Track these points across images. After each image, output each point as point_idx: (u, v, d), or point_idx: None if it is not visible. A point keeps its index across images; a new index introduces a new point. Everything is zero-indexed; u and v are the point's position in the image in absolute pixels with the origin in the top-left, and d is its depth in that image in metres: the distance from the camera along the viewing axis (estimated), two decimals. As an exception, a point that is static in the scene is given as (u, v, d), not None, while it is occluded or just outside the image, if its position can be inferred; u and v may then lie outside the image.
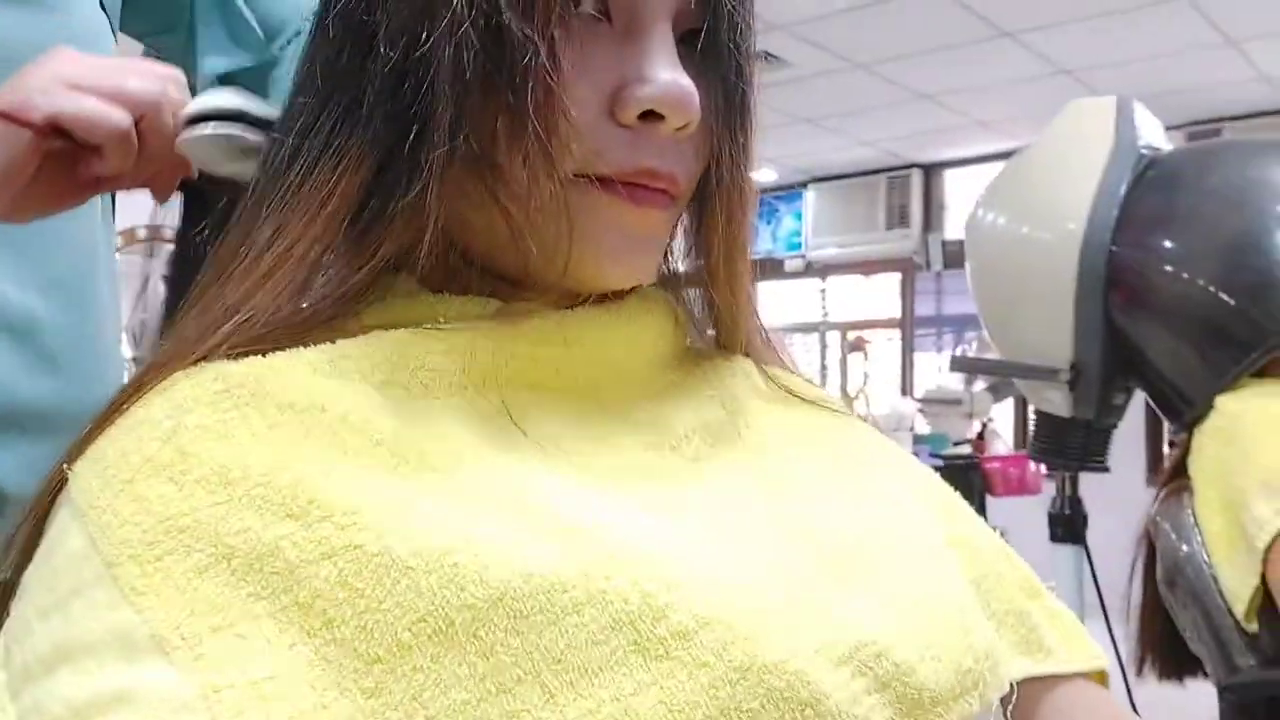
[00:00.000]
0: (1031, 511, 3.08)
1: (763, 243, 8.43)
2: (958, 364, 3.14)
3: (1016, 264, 2.12)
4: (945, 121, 6.96)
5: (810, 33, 5.48)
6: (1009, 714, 0.72)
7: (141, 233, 2.40)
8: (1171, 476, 1.89)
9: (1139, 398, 2.17)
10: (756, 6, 0.72)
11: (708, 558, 0.60)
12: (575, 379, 0.69)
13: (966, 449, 5.43)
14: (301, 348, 0.62)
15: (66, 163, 0.78)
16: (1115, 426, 2.19)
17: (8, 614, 0.57)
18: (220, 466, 0.55)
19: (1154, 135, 2.06)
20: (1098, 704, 0.81)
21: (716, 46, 0.69)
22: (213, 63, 1.16)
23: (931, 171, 8.02)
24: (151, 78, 0.79)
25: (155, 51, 1.24)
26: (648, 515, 0.62)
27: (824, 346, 8.05)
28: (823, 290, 8.60)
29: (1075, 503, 2.35)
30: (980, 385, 5.61)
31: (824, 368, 8.08)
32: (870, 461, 0.79)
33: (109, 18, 1.10)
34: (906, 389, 7.98)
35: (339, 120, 0.67)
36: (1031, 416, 2.32)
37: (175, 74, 0.82)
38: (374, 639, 0.51)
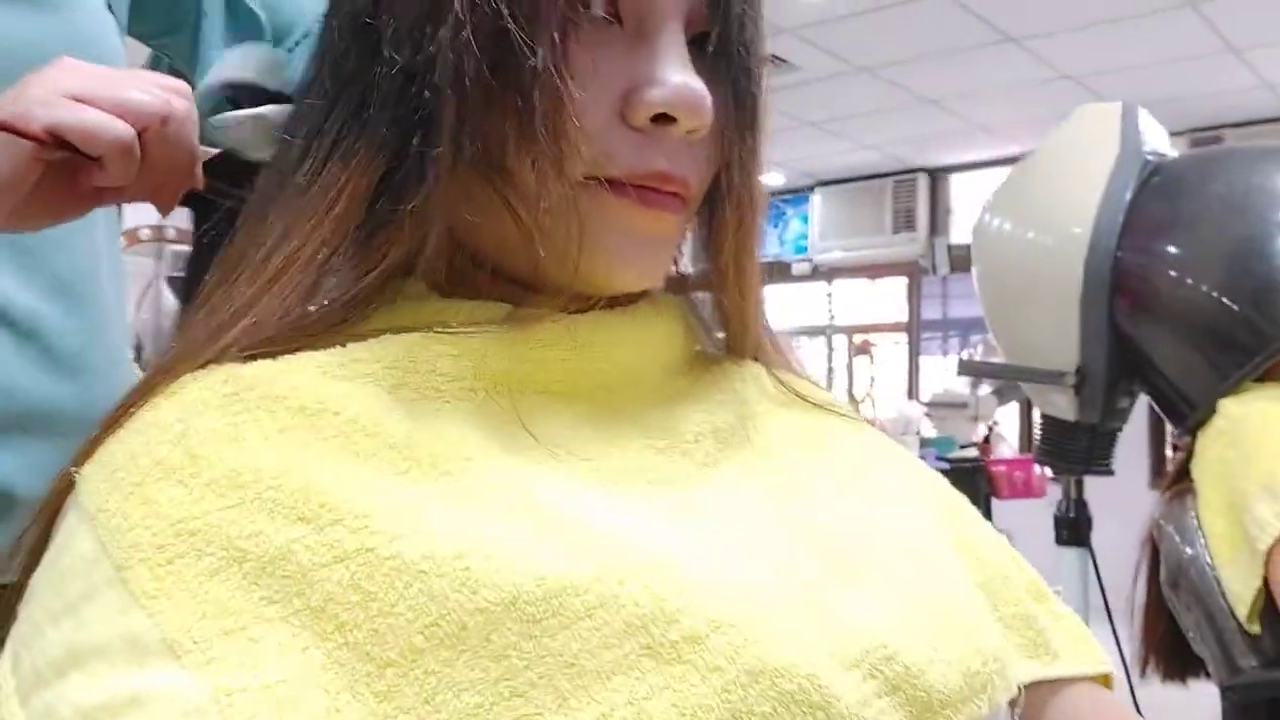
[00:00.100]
0: (1036, 514, 3.09)
1: (769, 246, 8.40)
2: (964, 368, 3.13)
3: (1022, 268, 2.13)
4: (950, 126, 6.95)
5: (816, 36, 5.49)
6: (1016, 717, 0.72)
7: (145, 234, 2.39)
8: (1175, 479, 1.90)
9: (1142, 402, 2.18)
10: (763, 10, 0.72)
11: (719, 562, 0.60)
12: (585, 383, 0.69)
13: (972, 452, 5.42)
14: (311, 351, 0.62)
15: (68, 174, 0.76)
16: (1120, 430, 2.20)
17: (15, 618, 0.56)
18: (231, 470, 0.54)
19: (1159, 141, 2.07)
20: (1104, 707, 0.80)
21: (727, 49, 0.68)
22: (222, 71, 1.15)
23: (937, 176, 8.01)
24: (155, 89, 0.78)
25: (162, 53, 1.24)
26: (659, 519, 0.62)
27: (830, 350, 8.05)
28: (829, 294, 8.59)
29: (1080, 505, 2.35)
30: (986, 389, 5.60)
31: (830, 371, 8.08)
32: (878, 465, 0.78)
33: (116, 18, 1.10)
34: (912, 392, 7.96)
35: (346, 122, 0.66)
36: (1037, 420, 2.33)
37: (180, 85, 0.81)
38: (386, 642, 0.51)
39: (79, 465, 0.58)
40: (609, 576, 0.54)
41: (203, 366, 0.60)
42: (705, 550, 0.60)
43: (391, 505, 0.55)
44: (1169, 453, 6.51)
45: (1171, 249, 1.92)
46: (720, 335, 0.80)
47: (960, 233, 7.75)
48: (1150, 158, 2.02)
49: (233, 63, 0.79)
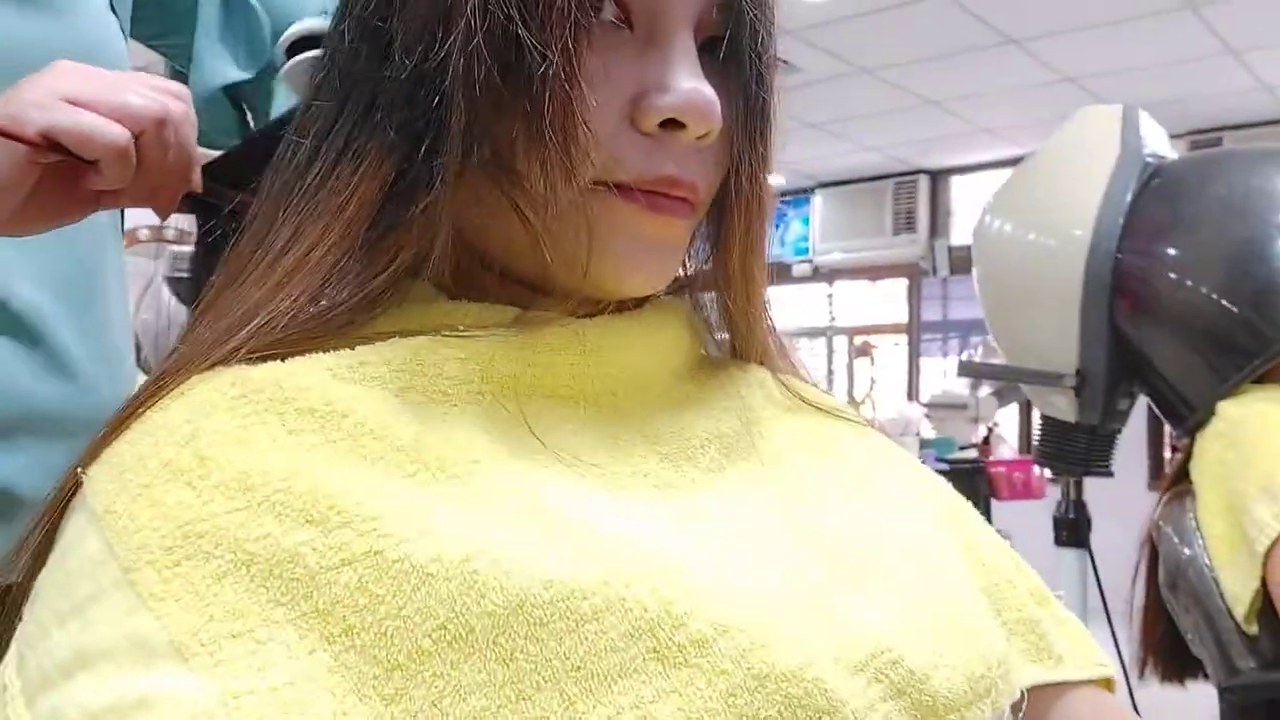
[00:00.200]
0: (1035, 516, 3.09)
1: (770, 247, 8.40)
2: (965, 369, 3.13)
3: (1023, 270, 2.13)
4: (951, 128, 6.95)
5: (818, 38, 5.49)
6: None
7: (144, 234, 2.39)
8: (1174, 481, 1.90)
9: (1141, 404, 2.19)
10: (765, 12, 0.72)
11: (724, 566, 0.60)
12: (592, 387, 0.68)
13: (972, 453, 5.42)
14: (320, 353, 0.62)
15: (66, 177, 0.76)
16: (1119, 431, 2.20)
17: (20, 618, 0.56)
18: (240, 472, 0.54)
19: (1159, 144, 2.08)
20: (1106, 710, 0.80)
21: (738, 54, 0.68)
22: (214, 68, 1.15)
23: (938, 177, 8.01)
24: (152, 93, 0.78)
25: (164, 54, 1.24)
26: (665, 524, 0.62)
27: (831, 351, 8.05)
28: (830, 295, 8.59)
29: (1080, 507, 2.36)
30: (985, 390, 5.61)
31: (830, 372, 8.08)
32: (882, 469, 0.79)
33: (120, 20, 1.09)
34: (912, 394, 7.97)
35: (356, 124, 0.66)
36: (1036, 421, 2.33)
37: (178, 88, 0.81)
38: (394, 645, 0.51)
39: (85, 466, 0.58)
40: (616, 580, 0.54)
41: (211, 368, 0.60)
42: (711, 555, 0.61)
43: (399, 508, 0.55)
44: (1168, 454, 6.52)
45: (1171, 251, 1.92)
46: (723, 337, 0.80)
47: (960, 234, 7.75)
48: (1150, 160, 2.02)
49: (312, 20, 0.79)
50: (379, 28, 0.66)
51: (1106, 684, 0.82)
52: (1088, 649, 0.82)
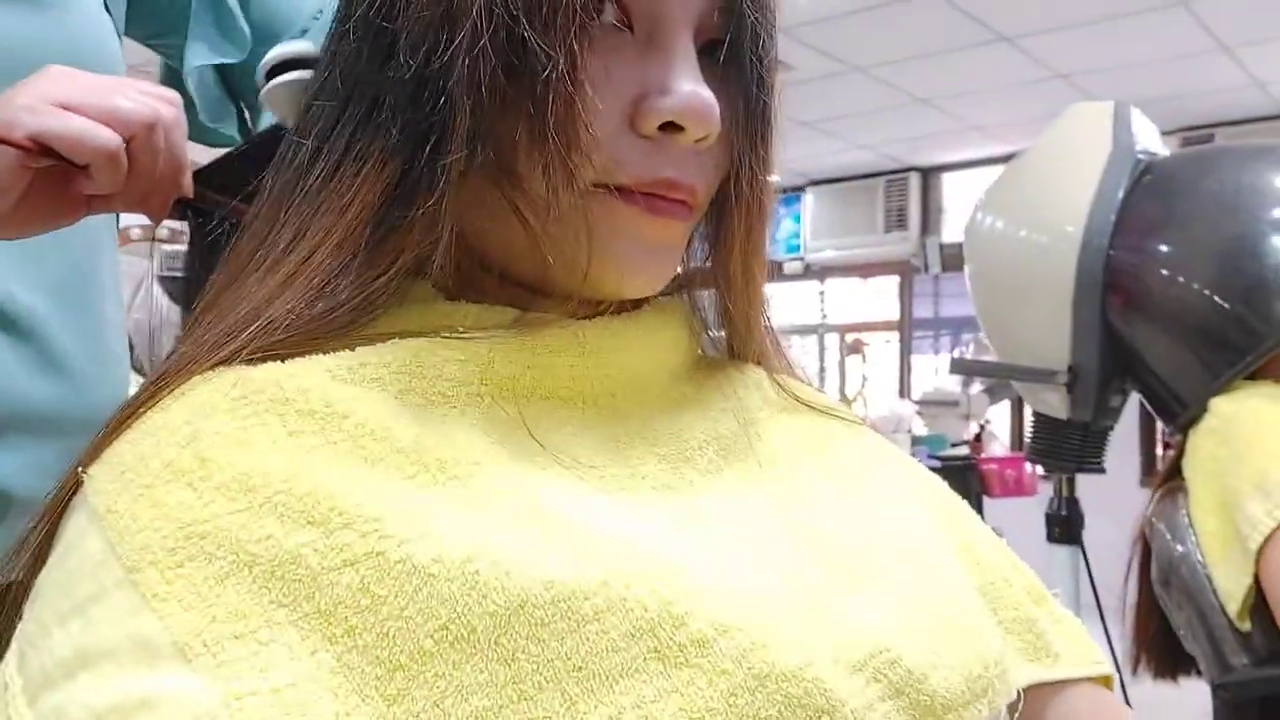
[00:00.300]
0: (1027, 513, 3.09)
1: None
2: (957, 366, 3.13)
3: (1015, 267, 2.13)
4: (943, 125, 6.96)
5: (809, 36, 5.49)
6: None
7: (136, 233, 2.39)
8: (1167, 478, 1.90)
9: (1133, 400, 2.19)
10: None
11: (723, 567, 0.60)
12: (591, 389, 0.69)
13: (964, 450, 5.42)
14: (320, 354, 0.62)
15: (57, 182, 0.77)
16: (1111, 428, 2.21)
17: (19, 617, 0.56)
18: (241, 473, 0.54)
19: (1150, 140, 2.08)
20: (1104, 708, 0.81)
21: (738, 57, 0.68)
22: (196, 54, 1.15)
23: (929, 175, 8.02)
24: (143, 97, 0.78)
25: (159, 53, 1.24)
26: (664, 525, 0.63)
27: (822, 349, 8.03)
28: (821, 292, 8.60)
29: (1072, 504, 2.36)
30: (977, 387, 5.61)
31: (822, 370, 8.07)
32: (878, 469, 0.79)
33: (114, 19, 1.10)
34: (904, 391, 7.98)
35: (359, 125, 0.66)
36: (1028, 418, 2.33)
37: (169, 94, 0.81)
38: (396, 646, 0.51)
39: (86, 465, 0.58)
40: (616, 581, 0.54)
41: (212, 368, 0.60)
42: (710, 556, 0.61)
43: (400, 509, 0.55)
44: (1159, 451, 6.54)
45: (1163, 247, 1.92)
46: (718, 334, 0.81)
47: (952, 232, 7.76)
48: (1142, 156, 2.03)
49: (293, 42, 0.79)
50: (383, 28, 0.66)
51: (1104, 681, 0.83)
52: (1085, 647, 0.82)
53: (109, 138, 0.75)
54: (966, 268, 2.30)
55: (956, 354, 7.59)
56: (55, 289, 1.02)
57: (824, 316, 8.42)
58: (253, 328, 0.62)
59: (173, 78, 1.23)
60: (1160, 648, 1.92)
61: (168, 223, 0.88)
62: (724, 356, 0.81)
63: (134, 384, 1.19)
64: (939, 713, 0.60)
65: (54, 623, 0.53)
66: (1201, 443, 1.79)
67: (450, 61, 0.62)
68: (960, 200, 7.71)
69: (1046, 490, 2.44)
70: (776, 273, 8.53)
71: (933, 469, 0.86)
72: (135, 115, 0.76)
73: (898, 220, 8.04)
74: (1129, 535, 1.97)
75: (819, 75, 6.02)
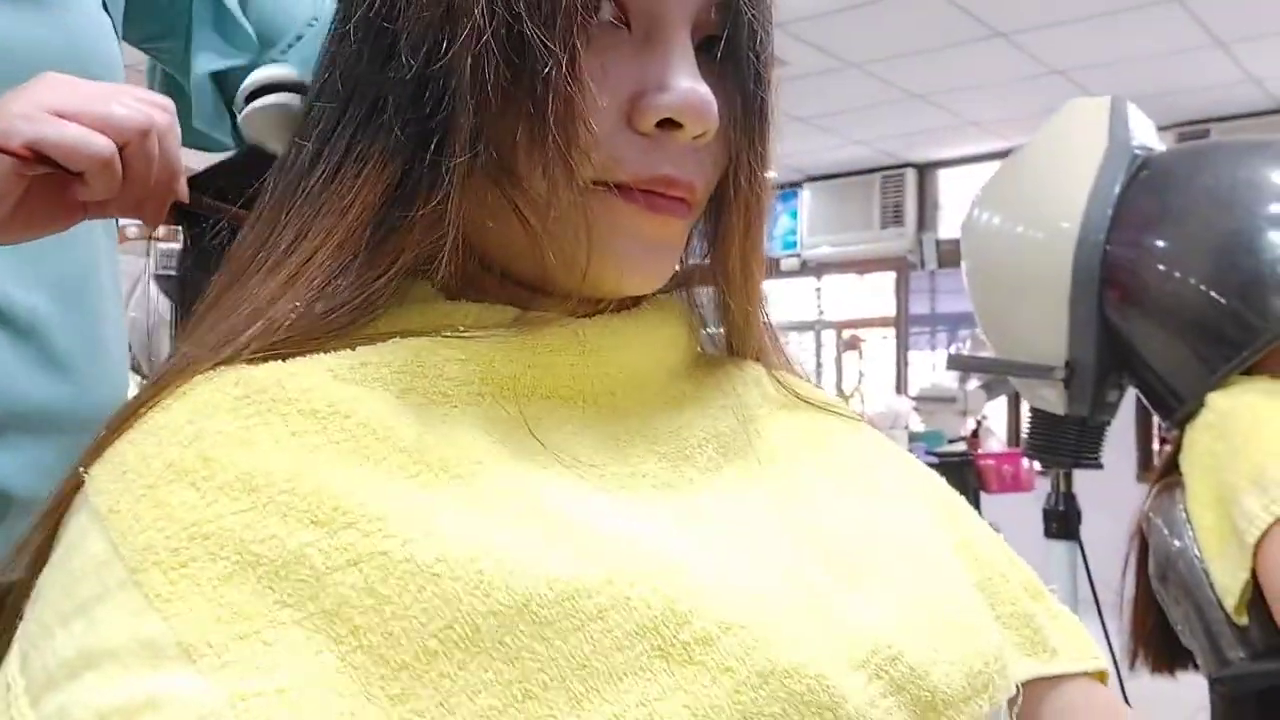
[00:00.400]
0: (1024, 508, 3.09)
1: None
2: (954, 362, 3.15)
3: (1012, 263, 2.14)
4: (939, 121, 6.96)
5: (805, 32, 5.49)
6: (1015, 715, 0.72)
7: (133, 231, 2.38)
8: (1164, 473, 1.91)
9: (1129, 395, 2.19)
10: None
11: (725, 565, 0.60)
12: (591, 387, 0.69)
13: (961, 446, 5.43)
14: (321, 353, 0.62)
15: (53, 188, 0.77)
16: (1108, 423, 2.21)
17: (20, 617, 0.56)
18: (244, 473, 0.54)
19: (1147, 135, 2.08)
20: (1101, 703, 0.81)
21: (736, 54, 0.68)
22: (204, 61, 1.14)
23: (925, 171, 8.02)
24: (138, 104, 0.78)
25: (155, 58, 1.24)
26: (665, 524, 0.63)
27: (819, 345, 8.03)
28: (818, 289, 8.59)
29: (1069, 499, 2.37)
30: (974, 383, 5.62)
31: (819, 366, 8.07)
32: (877, 466, 0.79)
33: (112, 20, 1.10)
34: (901, 387, 7.98)
35: (359, 126, 0.66)
36: (1025, 414, 2.33)
37: (163, 100, 0.81)
38: (400, 645, 0.51)
39: (87, 465, 0.58)
40: (619, 579, 0.55)
41: (213, 368, 0.60)
42: (711, 554, 0.61)
43: (403, 509, 0.55)
44: (1156, 446, 6.55)
45: (1160, 243, 1.92)
46: (717, 332, 0.81)
47: (948, 228, 7.76)
48: (1139, 152, 2.03)
49: (271, 67, 0.79)
50: (383, 29, 0.66)
51: (1100, 677, 0.83)
52: (1081, 642, 0.83)
53: (104, 145, 0.75)
54: (964, 264, 2.30)
55: (953, 350, 7.60)
56: (55, 288, 1.02)
57: (821, 313, 8.40)
58: (254, 328, 0.62)
59: (166, 81, 1.23)
60: (1158, 642, 1.92)
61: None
62: (723, 353, 0.81)
63: (132, 383, 1.19)
64: (940, 708, 0.61)
65: (56, 623, 0.52)
66: (1198, 438, 1.79)
67: (451, 61, 0.62)
68: (957, 196, 7.72)
69: (1043, 486, 2.44)
70: (773, 269, 8.52)
71: (930, 465, 0.86)
72: (130, 121, 0.77)
73: (894, 216, 8.04)
74: (1125, 530, 1.97)
75: (815, 71, 6.02)
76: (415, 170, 0.64)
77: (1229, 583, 1.67)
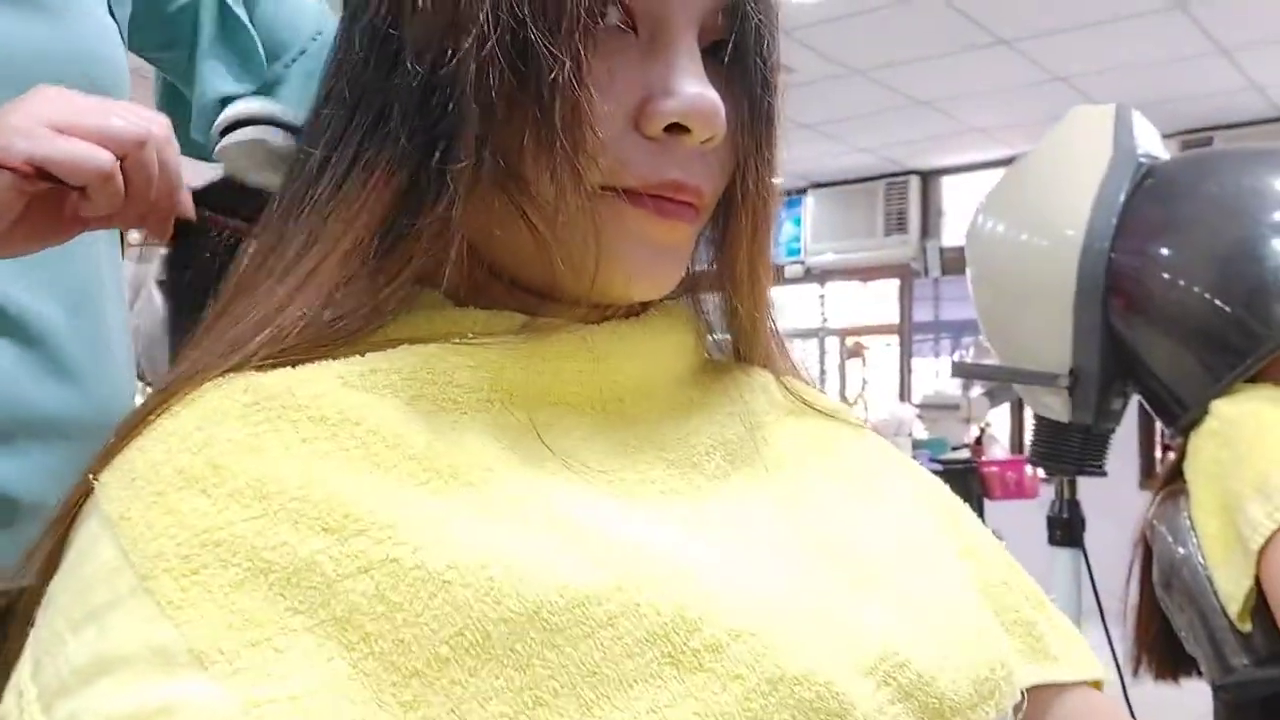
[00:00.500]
0: (1028, 515, 3.09)
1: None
2: (958, 369, 3.15)
3: (1016, 270, 2.14)
4: (943, 128, 6.96)
5: (810, 38, 5.49)
6: None
7: (134, 237, 2.40)
8: (1168, 480, 1.90)
9: (1132, 403, 2.19)
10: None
11: (734, 571, 0.60)
12: (600, 394, 0.68)
13: (965, 453, 5.42)
14: (330, 360, 0.62)
15: (53, 201, 0.77)
16: (1113, 431, 2.20)
17: (32, 623, 0.55)
18: (254, 480, 0.54)
19: (1152, 144, 2.08)
20: (1102, 712, 0.81)
21: (742, 58, 0.68)
22: (216, 85, 1.14)
23: (929, 178, 8.02)
24: (135, 116, 0.78)
25: (158, 67, 1.24)
26: (673, 531, 0.63)
27: (823, 352, 8.05)
28: (821, 296, 8.60)
29: (1074, 506, 2.36)
30: (977, 390, 5.61)
31: (823, 373, 8.08)
32: (883, 473, 0.79)
33: (119, 26, 1.10)
34: (904, 394, 7.98)
35: (366, 134, 0.66)
36: (1028, 420, 2.34)
37: (157, 115, 0.81)
38: (412, 652, 0.51)
39: (96, 472, 0.58)
40: (630, 586, 0.55)
41: (222, 375, 0.60)
42: (720, 561, 0.61)
43: (414, 516, 0.55)
44: (1158, 454, 6.54)
45: (1164, 251, 1.92)
46: (723, 338, 0.80)
47: (952, 235, 7.76)
48: (1143, 160, 2.02)
49: (247, 101, 0.80)
50: (389, 35, 0.66)
51: (1096, 686, 0.83)
52: (1082, 651, 0.83)
53: (105, 159, 0.75)
54: (968, 271, 2.31)
55: (958, 357, 7.60)
56: (63, 296, 1.02)
57: (824, 320, 8.41)
58: (263, 335, 0.62)
59: (168, 91, 1.23)
60: (1161, 649, 1.92)
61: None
62: (729, 359, 0.81)
63: (138, 391, 1.19)
64: (947, 715, 0.61)
65: (68, 630, 0.52)
66: (1202, 445, 1.79)
67: (457, 68, 0.62)
68: (960, 203, 7.71)
69: (1047, 493, 2.44)
70: (777, 276, 8.37)
71: (934, 472, 0.86)
72: (128, 134, 0.76)
73: (898, 223, 8.04)
74: (1128, 538, 1.97)
75: (819, 78, 6.02)
76: (422, 178, 0.64)
77: (1233, 590, 1.67)
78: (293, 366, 0.61)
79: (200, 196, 0.85)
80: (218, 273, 0.77)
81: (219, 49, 1.15)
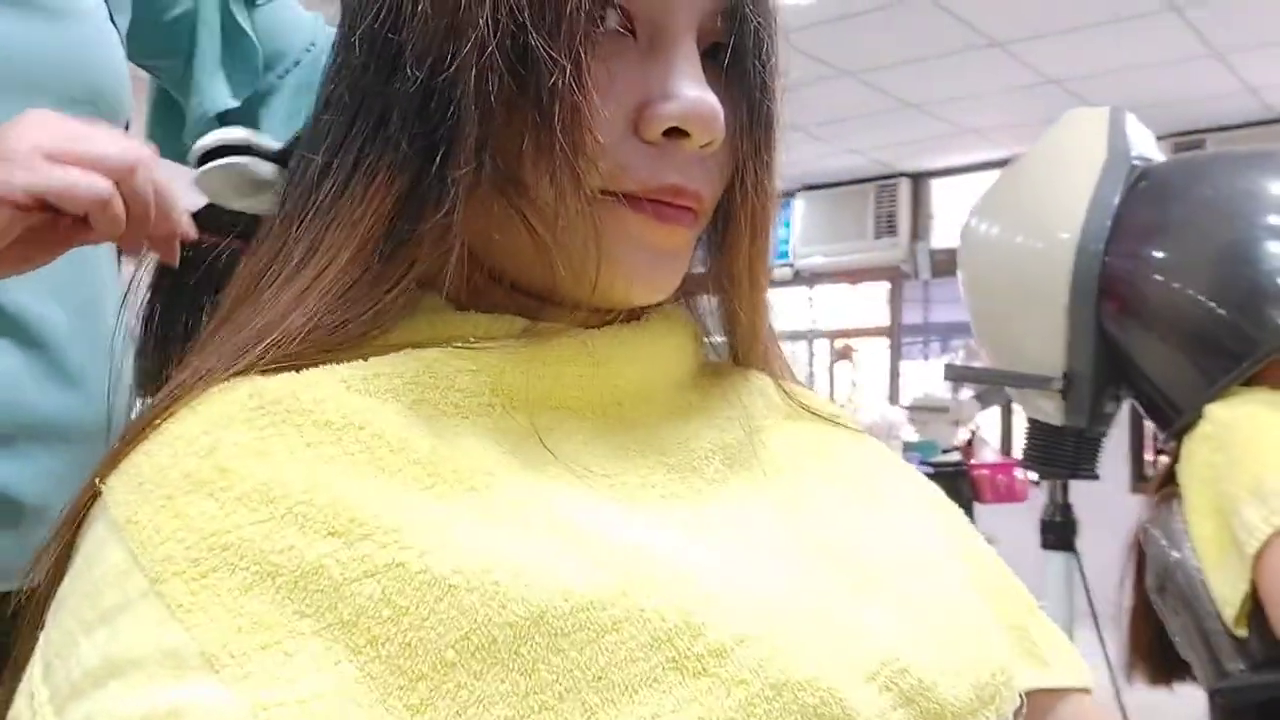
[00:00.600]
0: (1017, 518, 3.10)
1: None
2: (952, 373, 3.13)
3: (1010, 273, 2.14)
4: (933, 130, 6.97)
5: (800, 41, 5.49)
6: None
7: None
8: (1162, 484, 1.90)
9: (1123, 407, 2.19)
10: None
11: (736, 576, 0.60)
12: (600, 398, 0.69)
13: (955, 456, 5.43)
14: (334, 364, 0.62)
15: (46, 222, 0.78)
16: (1105, 435, 2.21)
17: (36, 627, 0.56)
18: (261, 484, 0.54)
19: (1146, 146, 2.08)
20: (1096, 717, 0.82)
21: (741, 61, 0.68)
22: (214, 93, 1.16)
23: (919, 180, 8.03)
24: (125, 142, 0.79)
25: (154, 75, 1.24)
26: (675, 535, 0.63)
27: (812, 354, 8.05)
28: (810, 298, 8.61)
29: (1066, 510, 2.37)
30: (967, 393, 5.62)
31: (811, 375, 8.09)
32: (881, 477, 0.79)
33: (119, 32, 1.10)
34: (894, 397, 7.99)
35: (367, 139, 0.66)
36: (1017, 424, 2.34)
37: (138, 142, 0.82)
38: (418, 656, 0.51)
39: (102, 476, 0.58)
40: (634, 591, 0.55)
41: (226, 379, 0.60)
42: (721, 566, 0.61)
43: (419, 520, 0.55)
44: (1149, 458, 6.56)
45: (1159, 254, 1.92)
46: (719, 340, 0.80)
47: (941, 237, 7.77)
48: (1138, 163, 2.03)
49: (223, 130, 0.80)
50: (389, 40, 0.65)
51: (1086, 694, 0.83)
52: (1072, 657, 0.83)
53: (103, 187, 0.76)
54: (961, 274, 2.31)
55: (951, 360, 7.61)
56: (66, 300, 1.03)
57: (814, 322, 8.42)
58: (267, 341, 0.62)
59: (162, 99, 1.24)
60: (1155, 654, 1.92)
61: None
62: (726, 362, 0.81)
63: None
64: None
65: (80, 632, 0.52)
66: (1196, 449, 1.79)
67: (457, 73, 0.62)
68: (950, 206, 7.73)
69: (1036, 496, 2.44)
70: (767, 278, 8.50)
71: (925, 475, 0.86)
72: (122, 160, 0.77)
73: (887, 226, 8.05)
74: (1119, 542, 1.97)
75: (809, 80, 6.02)
76: (423, 183, 0.64)
77: (1228, 593, 1.67)
78: (296, 371, 0.61)
79: (198, 216, 0.85)
80: (205, 277, 0.80)
81: (219, 57, 1.17)
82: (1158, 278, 1.91)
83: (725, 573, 0.60)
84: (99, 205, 0.75)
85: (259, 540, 0.52)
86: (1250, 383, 1.80)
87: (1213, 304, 1.82)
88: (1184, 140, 6.51)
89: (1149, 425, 2.07)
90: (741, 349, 0.80)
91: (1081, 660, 0.84)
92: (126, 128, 1.13)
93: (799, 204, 8.45)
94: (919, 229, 8.03)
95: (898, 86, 6.17)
